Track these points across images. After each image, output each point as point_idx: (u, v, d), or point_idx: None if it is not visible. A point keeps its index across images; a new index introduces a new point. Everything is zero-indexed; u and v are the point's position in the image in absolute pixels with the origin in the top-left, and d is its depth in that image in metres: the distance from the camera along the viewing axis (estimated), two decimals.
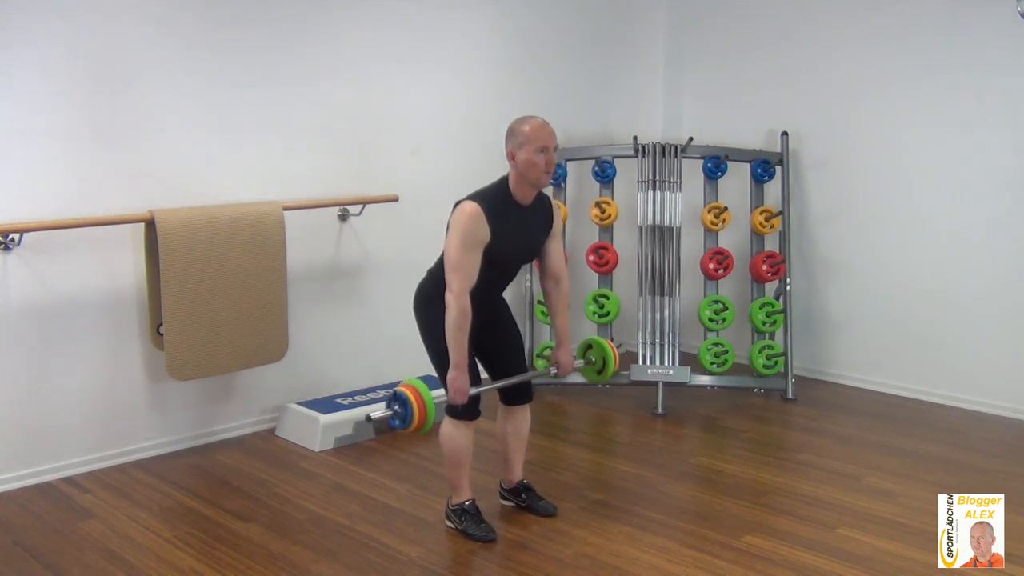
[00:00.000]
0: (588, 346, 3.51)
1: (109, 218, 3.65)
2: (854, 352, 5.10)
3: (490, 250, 2.98)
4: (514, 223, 3.04)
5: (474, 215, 2.94)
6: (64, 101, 3.58)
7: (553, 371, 3.36)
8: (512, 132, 3.03)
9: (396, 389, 2.93)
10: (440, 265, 3.07)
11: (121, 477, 3.75)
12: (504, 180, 3.08)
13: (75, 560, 3.04)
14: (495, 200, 3.01)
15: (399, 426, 2.92)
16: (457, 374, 2.97)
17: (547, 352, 4.84)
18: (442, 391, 3.05)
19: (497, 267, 3.08)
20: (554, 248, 3.24)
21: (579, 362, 3.47)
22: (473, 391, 3.03)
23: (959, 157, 4.61)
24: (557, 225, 3.23)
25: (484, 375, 3.28)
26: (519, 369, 3.30)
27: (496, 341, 3.24)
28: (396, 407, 2.91)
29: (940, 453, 4.06)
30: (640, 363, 4.71)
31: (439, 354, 3.07)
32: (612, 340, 3.49)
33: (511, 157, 3.01)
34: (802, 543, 3.16)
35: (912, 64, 4.71)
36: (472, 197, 3.01)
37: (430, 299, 3.10)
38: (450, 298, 2.93)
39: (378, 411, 2.95)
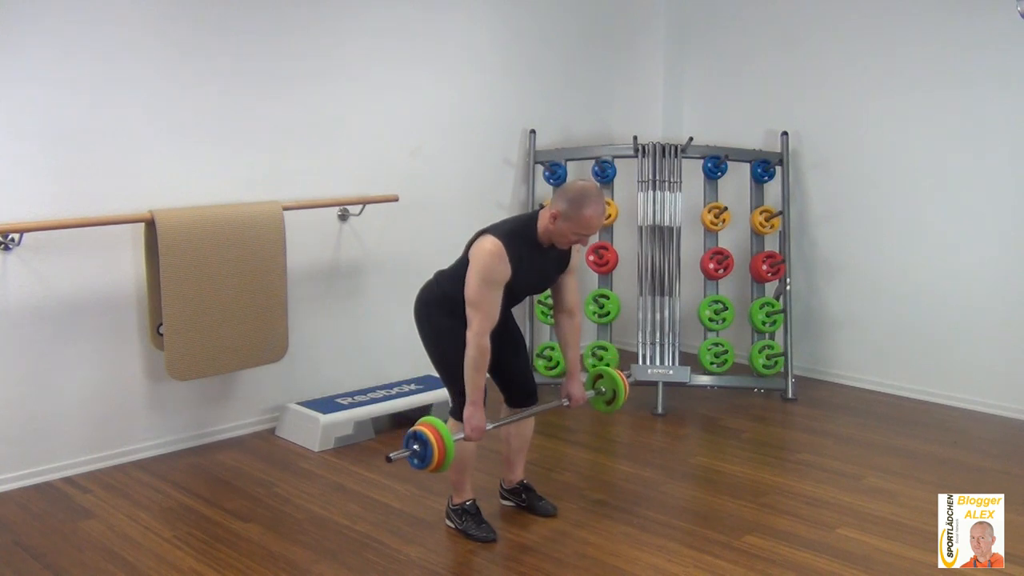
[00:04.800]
0: (599, 376, 3.49)
1: (109, 218, 3.65)
2: (854, 352, 5.10)
3: (507, 283, 2.97)
4: (533, 262, 3.03)
5: (497, 254, 2.90)
6: (64, 101, 3.57)
7: (565, 403, 3.35)
8: (569, 201, 2.91)
9: (415, 428, 2.88)
10: (452, 273, 3.07)
11: (121, 477, 3.75)
12: (533, 219, 3.03)
13: (75, 560, 3.04)
14: (518, 238, 2.97)
15: (418, 465, 2.88)
16: (474, 411, 2.97)
17: (547, 352, 4.84)
18: (445, 390, 3.06)
19: (509, 296, 3.08)
20: (569, 284, 3.23)
21: (589, 393, 3.45)
22: (490, 427, 3.03)
23: (959, 156, 4.61)
24: (575, 261, 3.22)
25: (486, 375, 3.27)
26: (525, 374, 3.31)
27: (501, 345, 3.24)
28: (415, 447, 2.87)
29: (940, 453, 4.06)
30: (640, 363, 4.71)
31: (440, 359, 3.09)
32: (623, 371, 3.48)
33: (554, 216, 2.94)
34: (802, 543, 3.16)
35: (913, 64, 4.71)
36: (495, 233, 2.96)
37: (430, 303, 3.10)
38: (470, 336, 2.90)
39: (397, 452, 2.90)
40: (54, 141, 3.57)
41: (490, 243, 2.92)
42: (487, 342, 2.91)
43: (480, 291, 2.90)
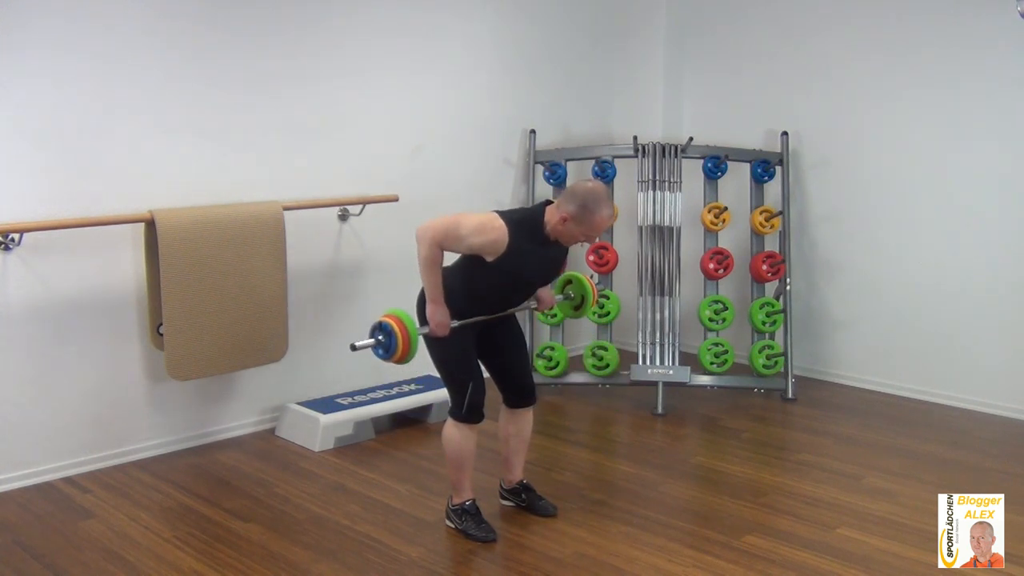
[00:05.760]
0: (568, 282, 3.51)
1: (109, 218, 3.65)
2: (854, 352, 5.10)
3: (511, 271, 2.98)
4: (536, 254, 3.04)
5: (499, 238, 2.91)
6: (64, 101, 3.58)
7: (533, 304, 3.38)
8: (580, 205, 2.92)
9: (380, 319, 2.92)
10: (453, 270, 3.08)
11: (121, 477, 3.75)
12: (539, 212, 3.04)
13: (75, 560, 3.04)
14: (524, 227, 2.99)
15: (383, 356, 2.92)
16: (435, 308, 2.98)
17: (547, 351, 4.83)
18: (445, 390, 3.06)
19: (516, 287, 3.10)
20: None
21: (558, 297, 3.48)
22: (455, 324, 3.02)
23: (959, 157, 4.60)
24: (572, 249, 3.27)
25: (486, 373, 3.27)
26: (524, 374, 3.31)
27: (502, 344, 3.24)
28: (380, 337, 2.90)
29: (940, 453, 4.06)
30: (640, 363, 4.71)
31: (442, 358, 3.10)
32: (594, 279, 3.50)
33: (564, 219, 2.95)
34: (802, 543, 3.16)
35: (913, 64, 4.71)
36: (506, 219, 2.97)
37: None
38: (425, 236, 2.91)
39: (362, 341, 2.93)
40: (54, 141, 3.57)
41: (500, 223, 2.94)
42: (439, 251, 2.92)
43: (455, 230, 2.91)
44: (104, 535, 3.23)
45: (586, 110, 5.50)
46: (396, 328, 2.86)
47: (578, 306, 3.49)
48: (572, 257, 3.44)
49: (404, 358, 2.91)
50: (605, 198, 2.96)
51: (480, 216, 2.97)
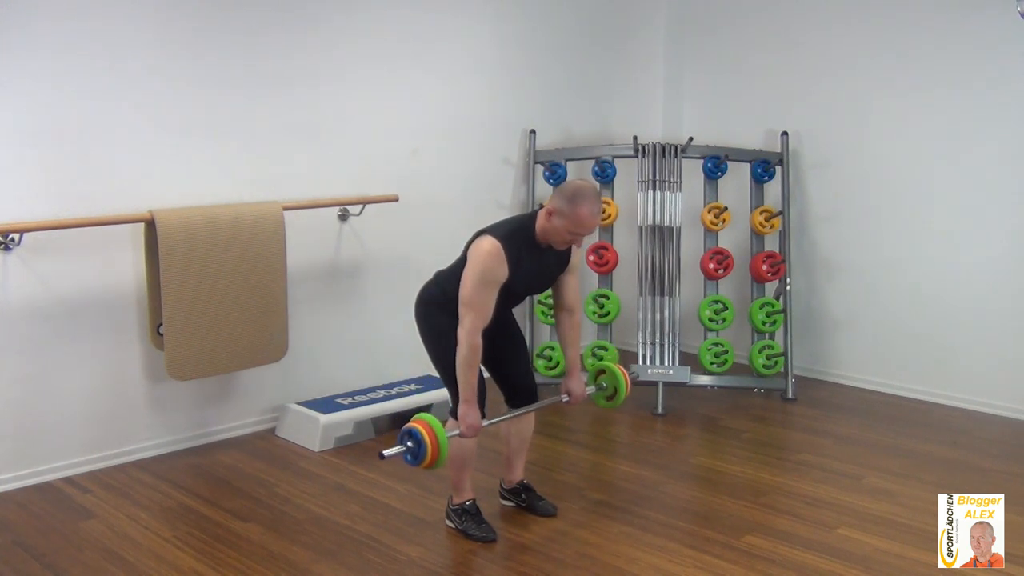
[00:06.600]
0: (600, 371, 3.49)
1: (109, 218, 3.65)
2: (854, 352, 5.10)
3: (504, 284, 2.97)
4: (532, 262, 3.04)
5: (495, 255, 2.91)
6: (64, 101, 3.57)
7: (565, 399, 3.36)
8: (566, 198, 2.92)
9: (409, 425, 2.90)
10: (451, 273, 3.07)
11: (121, 477, 3.75)
12: (531, 219, 3.04)
13: (75, 560, 3.04)
14: (516, 238, 2.98)
15: (412, 462, 2.89)
16: (467, 409, 2.98)
17: (547, 352, 4.83)
18: (445, 390, 3.06)
19: (509, 295, 3.09)
20: (570, 282, 3.23)
21: (591, 388, 3.46)
22: (486, 423, 3.04)
23: (960, 156, 4.61)
24: (575, 261, 3.22)
25: (486, 374, 3.27)
26: (525, 375, 3.31)
27: (501, 345, 3.24)
28: (409, 443, 2.89)
29: (940, 453, 4.06)
30: (640, 363, 4.71)
31: (440, 358, 3.09)
32: (628, 370, 3.49)
33: (549, 213, 2.95)
34: (802, 543, 3.16)
35: (913, 64, 4.72)
36: (494, 233, 2.96)
37: (430, 302, 3.11)
38: (462, 334, 2.91)
39: (391, 449, 2.91)
40: (54, 141, 3.57)
41: (489, 243, 2.93)
42: (479, 340, 2.92)
43: (475, 290, 2.90)
44: (104, 535, 3.23)
45: (586, 110, 5.51)
46: (426, 435, 2.84)
47: (611, 396, 3.46)
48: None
49: (433, 465, 2.88)
50: (592, 195, 2.95)
51: (473, 266, 2.93)
